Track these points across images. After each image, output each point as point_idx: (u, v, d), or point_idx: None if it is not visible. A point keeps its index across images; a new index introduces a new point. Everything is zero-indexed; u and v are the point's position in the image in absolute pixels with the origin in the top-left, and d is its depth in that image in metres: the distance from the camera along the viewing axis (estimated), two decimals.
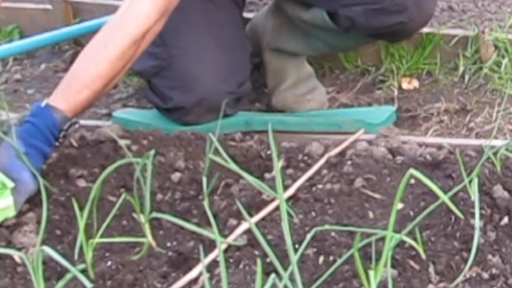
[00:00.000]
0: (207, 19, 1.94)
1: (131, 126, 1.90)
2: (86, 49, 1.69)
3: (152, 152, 1.42)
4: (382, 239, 1.17)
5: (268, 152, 1.76)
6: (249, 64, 2.03)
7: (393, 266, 1.27)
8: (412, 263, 1.31)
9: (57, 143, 1.63)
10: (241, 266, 1.35)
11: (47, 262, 1.35)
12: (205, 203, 1.56)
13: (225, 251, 1.40)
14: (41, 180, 1.48)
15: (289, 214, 1.47)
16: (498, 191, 1.45)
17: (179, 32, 1.86)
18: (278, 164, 1.19)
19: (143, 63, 1.87)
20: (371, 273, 1.09)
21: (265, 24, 2.17)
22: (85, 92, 1.64)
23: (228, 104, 1.84)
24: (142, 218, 1.41)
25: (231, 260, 1.38)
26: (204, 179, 1.59)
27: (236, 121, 1.91)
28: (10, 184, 1.50)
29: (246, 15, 2.37)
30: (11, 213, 1.49)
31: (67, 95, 1.64)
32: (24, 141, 1.56)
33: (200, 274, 1.34)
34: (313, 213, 1.50)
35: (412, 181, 1.54)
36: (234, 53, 1.94)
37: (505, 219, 1.41)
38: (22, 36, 2.71)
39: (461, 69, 2.24)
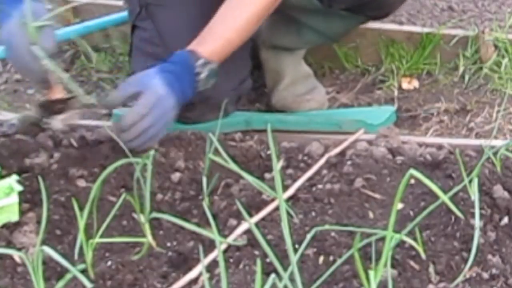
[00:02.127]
0: (204, 16, 1.95)
1: None
2: (222, 8, 1.75)
3: (152, 152, 1.43)
4: (382, 239, 1.16)
5: (268, 152, 1.76)
6: (250, 61, 2.03)
7: (393, 266, 1.27)
8: (412, 263, 1.31)
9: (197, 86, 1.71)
10: (241, 266, 1.35)
11: (47, 262, 1.35)
12: (205, 203, 1.57)
13: (225, 251, 1.40)
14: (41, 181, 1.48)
15: (289, 214, 1.47)
16: (498, 191, 1.45)
17: (179, 32, 1.85)
18: (277, 164, 1.19)
19: (144, 64, 1.87)
20: (371, 273, 1.10)
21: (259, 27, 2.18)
22: (220, 41, 1.72)
23: (229, 102, 1.83)
24: (142, 218, 1.41)
25: (231, 260, 1.38)
26: (204, 179, 1.59)
27: (236, 121, 1.91)
28: (18, 187, 1.50)
29: None
30: (14, 217, 1.49)
31: (203, 41, 1.72)
32: (170, 86, 1.63)
33: (200, 274, 1.34)
34: (313, 213, 1.50)
35: (412, 181, 1.54)
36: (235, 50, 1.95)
37: (505, 219, 1.41)
38: None
39: (461, 69, 2.25)
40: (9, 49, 1.61)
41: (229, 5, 1.76)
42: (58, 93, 1.68)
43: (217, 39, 1.73)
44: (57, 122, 1.69)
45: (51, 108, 1.71)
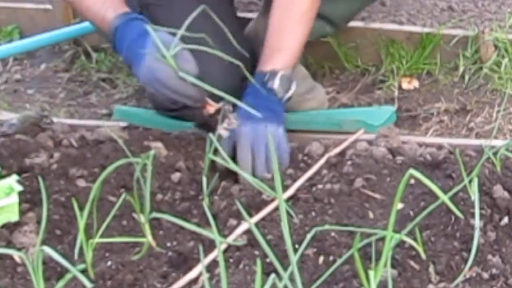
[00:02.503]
0: (204, 16, 1.95)
1: (132, 119, 1.91)
2: (272, 20, 1.84)
3: (152, 152, 1.43)
4: (382, 239, 1.16)
5: None
6: (249, 58, 2.03)
7: (393, 266, 1.27)
8: (412, 263, 1.31)
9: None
10: (241, 266, 1.35)
11: (47, 262, 1.35)
12: (205, 203, 1.57)
13: (225, 251, 1.40)
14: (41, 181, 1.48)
15: (289, 214, 1.47)
16: (498, 191, 1.45)
17: (176, 29, 1.85)
18: (277, 164, 1.18)
19: None
20: (371, 273, 1.09)
21: (257, 26, 2.18)
22: (281, 52, 1.81)
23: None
24: (142, 218, 1.41)
25: (231, 260, 1.38)
26: (204, 179, 1.59)
27: None
28: (18, 187, 1.50)
29: (246, 15, 2.38)
30: (14, 217, 1.49)
31: (265, 60, 1.81)
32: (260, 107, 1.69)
33: (200, 274, 1.34)
34: (313, 213, 1.50)
35: (412, 181, 1.54)
36: (234, 46, 1.95)
37: (505, 219, 1.41)
38: (22, 36, 2.71)
39: (461, 69, 2.24)
40: (157, 83, 1.65)
41: (275, 15, 1.83)
42: (210, 106, 1.71)
43: (276, 51, 1.81)
44: (223, 131, 1.71)
45: (213, 121, 1.73)
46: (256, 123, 1.70)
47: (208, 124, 1.74)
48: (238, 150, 1.70)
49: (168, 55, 1.61)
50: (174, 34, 1.65)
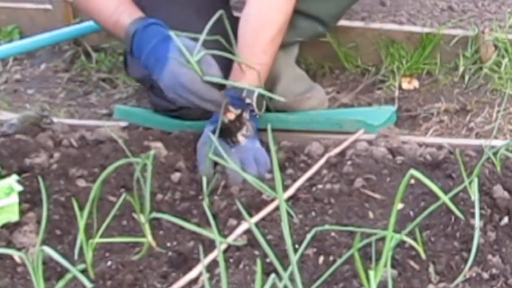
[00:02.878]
0: (200, 15, 1.95)
1: (132, 118, 1.91)
2: (242, 35, 1.82)
3: (152, 152, 1.42)
4: (382, 239, 1.16)
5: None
6: None
7: (393, 266, 1.27)
8: (412, 263, 1.31)
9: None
10: (241, 266, 1.35)
11: (47, 262, 1.35)
12: (205, 203, 1.56)
13: (225, 251, 1.40)
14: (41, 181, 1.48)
15: (289, 214, 1.47)
16: (498, 191, 1.45)
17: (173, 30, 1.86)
18: (277, 164, 1.18)
19: (143, 69, 1.87)
20: (371, 273, 1.09)
21: None
22: (256, 67, 1.78)
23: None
24: (142, 218, 1.41)
25: (231, 260, 1.38)
26: (204, 179, 1.59)
27: None
28: (18, 187, 1.50)
29: None
30: (14, 217, 1.49)
31: (239, 77, 1.77)
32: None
33: (200, 274, 1.34)
34: (313, 213, 1.50)
35: (412, 181, 1.54)
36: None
37: (505, 219, 1.41)
38: (22, 36, 2.71)
39: (461, 69, 2.24)
40: (181, 88, 1.65)
41: (251, 31, 1.82)
42: (230, 113, 1.72)
43: (251, 68, 1.78)
44: (242, 138, 1.73)
45: (232, 127, 1.73)
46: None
47: (225, 130, 1.73)
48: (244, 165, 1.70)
49: (193, 60, 1.62)
50: (193, 39, 1.66)
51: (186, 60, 1.63)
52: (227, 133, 1.73)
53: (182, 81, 1.64)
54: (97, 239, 1.34)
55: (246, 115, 1.74)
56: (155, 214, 1.38)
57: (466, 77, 2.22)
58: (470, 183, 1.41)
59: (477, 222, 1.33)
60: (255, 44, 1.82)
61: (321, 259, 1.36)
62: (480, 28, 2.30)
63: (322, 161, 1.67)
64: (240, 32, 1.84)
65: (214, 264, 1.36)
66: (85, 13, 1.91)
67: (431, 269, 1.30)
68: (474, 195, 1.39)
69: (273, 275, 1.07)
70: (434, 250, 1.33)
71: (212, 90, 1.65)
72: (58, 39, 2.52)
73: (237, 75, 1.79)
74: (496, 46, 2.24)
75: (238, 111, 1.72)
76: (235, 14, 2.41)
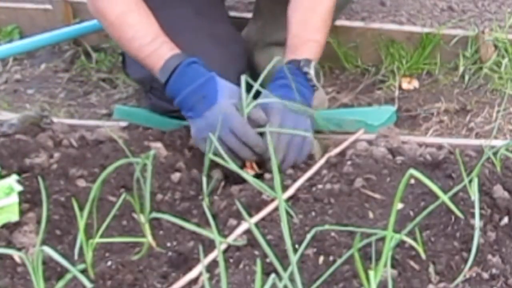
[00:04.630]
0: (199, 15, 1.96)
1: (132, 118, 1.91)
2: (295, 13, 1.87)
3: (152, 152, 1.43)
4: (382, 239, 1.16)
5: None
6: (245, 55, 2.04)
7: (393, 266, 1.27)
8: (412, 263, 1.31)
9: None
10: (241, 266, 1.35)
11: (47, 262, 1.35)
12: (205, 203, 1.56)
13: (225, 251, 1.40)
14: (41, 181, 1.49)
15: (289, 214, 1.47)
16: (498, 191, 1.45)
17: (174, 32, 1.86)
18: (276, 164, 1.18)
19: (142, 70, 1.88)
20: (371, 273, 1.09)
21: (249, 31, 2.20)
22: (310, 44, 1.84)
23: None
24: (142, 218, 1.41)
25: (231, 260, 1.37)
26: (204, 179, 1.59)
27: None
28: (18, 187, 1.50)
29: (246, 15, 2.38)
30: (14, 217, 1.49)
31: (295, 49, 1.82)
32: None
33: (200, 274, 1.34)
34: (313, 213, 1.50)
35: (412, 181, 1.54)
36: (230, 46, 1.95)
37: (505, 219, 1.41)
38: (22, 36, 2.71)
39: (461, 69, 2.24)
40: (226, 128, 1.64)
41: (302, 10, 1.86)
42: (251, 169, 1.70)
43: (305, 42, 1.83)
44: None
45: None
46: (290, 113, 1.70)
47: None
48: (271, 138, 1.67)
49: (244, 105, 1.65)
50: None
51: (233, 102, 1.65)
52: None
53: (231, 122, 1.64)
54: (97, 239, 1.34)
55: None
56: (155, 214, 1.38)
57: (466, 77, 2.22)
58: (470, 183, 1.41)
59: (477, 222, 1.33)
60: (308, 22, 1.85)
61: (321, 259, 1.36)
62: (480, 28, 2.30)
63: (322, 161, 1.67)
64: (290, 12, 1.87)
65: (214, 264, 1.36)
66: (112, 35, 1.88)
67: (431, 269, 1.30)
68: (474, 195, 1.39)
69: (273, 275, 1.07)
70: (434, 250, 1.33)
71: (258, 136, 1.65)
72: (58, 39, 2.52)
73: (293, 49, 1.82)
74: (496, 46, 2.24)
75: (259, 171, 1.70)
76: (235, 14, 2.42)
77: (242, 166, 1.68)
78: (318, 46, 1.85)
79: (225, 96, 1.68)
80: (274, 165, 1.17)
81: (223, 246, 1.40)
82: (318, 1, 1.87)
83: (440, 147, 1.72)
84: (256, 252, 1.38)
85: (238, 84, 1.72)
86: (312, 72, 1.79)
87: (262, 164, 1.70)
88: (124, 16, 1.80)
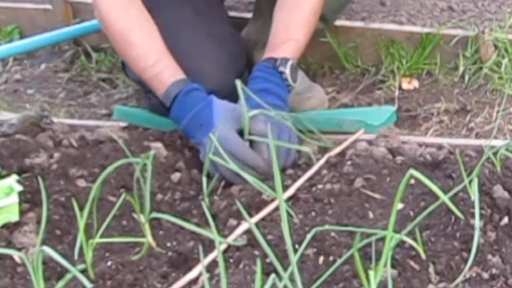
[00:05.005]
0: (198, 16, 1.96)
1: (132, 119, 1.91)
2: (279, 12, 1.89)
3: (152, 152, 1.43)
4: (382, 239, 1.16)
5: None
6: (244, 55, 2.04)
7: (393, 266, 1.27)
8: (412, 263, 1.31)
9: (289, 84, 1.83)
10: (241, 266, 1.35)
11: (47, 262, 1.35)
12: (205, 203, 1.56)
13: (225, 251, 1.40)
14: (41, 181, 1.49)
15: (289, 214, 1.47)
16: (498, 191, 1.45)
17: (173, 32, 1.86)
18: (276, 164, 1.18)
19: None
20: (371, 273, 1.09)
21: (249, 31, 2.20)
22: (290, 43, 1.85)
23: (232, 98, 1.83)
24: (142, 218, 1.41)
25: (231, 260, 1.37)
26: (204, 179, 1.59)
27: None
28: (18, 187, 1.50)
29: (246, 15, 2.38)
30: (14, 217, 1.49)
31: (274, 48, 1.84)
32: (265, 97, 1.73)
33: (200, 274, 1.34)
34: (313, 213, 1.50)
35: (412, 181, 1.54)
36: (228, 46, 1.96)
37: (505, 219, 1.41)
38: (22, 36, 2.71)
39: (461, 69, 2.24)
40: (226, 153, 1.62)
41: (286, 9, 1.87)
42: None
43: (285, 41, 1.84)
44: None
45: None
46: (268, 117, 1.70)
47: None
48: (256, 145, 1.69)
49: (247, 119, 1.65)
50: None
51: (231, 124, 1.66)
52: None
53: (230, 146, 1.64)
54: (97, 239, 1.34)
55: None
56: (155, 214, 1.38)
57: (466, 77, 2.22)
58: (470, 183, 1.41)
59: (477, 222, 1.33)
60: (291, 21, 1.86)
61: (321, 259, 1.36)
62: (480, 28, 2.30)
63: (322, 161, 1.67)
64: (276, 9, 1.88)
65: (214, 264, 1.36)
66: (119, 52, 1.90)
67: (431, 269, 1.30)
68: (474, 195, 1.39)
69: (273, 275, 1.07)
70: (434, 250, 1.33)
71: (257, 157, 1.65)
72: (58, 39, 2.52)
73: (272, 48, 1.83)
74: (496, 46, 2.24)
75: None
76: (235, 14, 2.42)
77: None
78: (298, 45, 1.86)
79: (221, 121, 1.68)
80: (275, 165, 1.17)
81: (223, 246, 1.40)
82: (303, 0, 1.88)
83: (440, 147, 1.72)
84: (256, 252, 1.38)
85: (241, 80, 1.73)
86: (288, 71, 1.80)
87: None
88: (128, 34, 1.80)
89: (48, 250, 1.18)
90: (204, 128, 1.69)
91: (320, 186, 1.57)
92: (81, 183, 1.63)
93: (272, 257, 1.14)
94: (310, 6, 1.88)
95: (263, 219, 1.49)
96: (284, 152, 1.69)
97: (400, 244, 1.31)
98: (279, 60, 1.81)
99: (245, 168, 1.63)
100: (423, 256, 1.30)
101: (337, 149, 1.72)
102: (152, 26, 1.82)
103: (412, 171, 1.05)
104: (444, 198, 1.05)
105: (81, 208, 1.32)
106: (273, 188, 1.41)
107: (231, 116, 1.70)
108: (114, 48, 1.90)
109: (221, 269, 1.08)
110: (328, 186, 1.56)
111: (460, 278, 1.27)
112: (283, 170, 1.68)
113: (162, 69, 1.78)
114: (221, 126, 1.67)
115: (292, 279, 1.11)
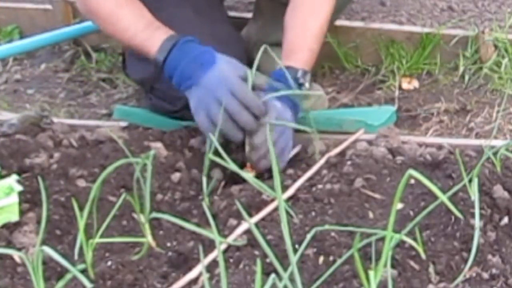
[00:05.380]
0: (198, 15, 1.96)
1: (132, 118, 1.91)
2: (293, 19, 1.87)
3: (152, 152, 1.42)
4: (382, 239, 1.16)
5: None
6: (245, 55, 2.04)
7: (393, 266, 1.27)
8: (412, 263, 1.31)
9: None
10: (241, 266, 1.35)
11: (47, 262, 1.35)
12: (205, 203, 1.56)
13: (225, 251, 1.40)
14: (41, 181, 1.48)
15: (289, 214, 1.47)
16: (498, 191, 1.45)
17: (174, 32, 1.86)
18: (275, 163, 1.18)
19: (143, 71, 1.87)
20: (371, 273, 1.09)
21: (249, 31, 2.20)
22: (306, 53, 1.84)
23: None
24: (142, 218, 1.41)
25: (231, 260, 1.37)
26: (204, 179, 1.59)
27: None
28: (18, 187, 1.50)
29: (246, 15, 2.38)
30: (14, 217, 1.49)
31: (291, 56, 1.82)
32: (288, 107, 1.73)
33: (200, 274, 1.34)
34: (313, 213, 1.50)
35: (412, 181, 1.54)
36: (230, 46, 1.95)
37: (505, 219, 1.41)
38: (22, 36, 2.71)
39: (461, 69, 2.25)
40: (225, 90, 1.64)
41: (301, 16, 1.86)
42: (251, 169, 1.70)
43: (303, 50, 1.84)
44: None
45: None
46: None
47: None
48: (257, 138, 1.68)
49: (249, 72, 1.66)
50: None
51: (234, 66, 1.66)
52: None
53: (231, 84, 1.63)
54: (97, 239, 1.34)
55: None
56: (155, 214, 1.38)
57: (466, 77, 2.22)
58: (470, 183, 1.41)
59: (477, 222, 1.33)
60: (307, 29, 1.86)
61: (321, 259, 1.36)
62: (480, 28, 2.30)
63: (322, 161, 1.67)
64: (289, 16, 1.87)
65: (214, 264, 1.36)
66: (106, 30, 1.88)
67: (431, 269, 1.30)
68: (474, 195, 1.39)
69: (273, 275, 1.07)
70: (434, 250, 1.33)
71: (257, 98, 1.65)
72: (58, 39, 2.52)
73: (288, 55, 1.82)
74: (496, 46, 2.24)
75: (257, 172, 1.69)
76: (235, 14, 2.42)
77: (242, 166, 1.68)
78: (313, 56, 1.86)
79: (223, 62, 1.68)
80: (274, 165, 1.17)
81: (223, 246, 1.40)
82: (318, 7, 1.88)
83: (440, 147, 1.72)
84: (256, 252, 1.38)
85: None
86: (307, 85, 1.81)
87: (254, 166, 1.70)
88: (117, 10, 1.80)
89: (48, 250, 1.18)
90: (205, 66, 1.67)
91: (320, 186, 1.57)
92: (81, 183, 1.63)
93: (272, 257, 1.14)
94: (325, 15, 1.88)
95: (263, 219, 1.49)
96: (278, 149, 1.70)
97: (400, 244, 1.31)
98: (301, 71, 1.80)
99: (243, 112, 1.63)
100: (423, 256, 1.30)
101: (337, 149, 1.72)
102: (140, 4, 1.81)
103: (411, 171, 1.05)
104: (444, 198, 1.05)
105: (81, 208, 1.32)
106: (273, 188, 1.41)
107: (232, 62, 1.69)
108: (102, 28, 1.87)
109: (221, 269, 1.08)
110: (328, 186, 1.56)
111: (460, 278, 1.27)
112: (293, 167, 1.68)
113: (154, 30, 1.77)
114: (223, 65, 1.66)
115: (292, 279, 1.11)
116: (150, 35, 1.76)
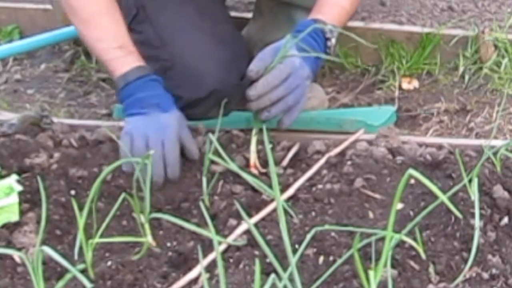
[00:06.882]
0: (201, 15, 1.95)
1: None
2: None
3: (152, 152, 1.42)
4: (382, 239, 1.16)
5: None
6: (247, 55, 2.04)
7: (393, 266, 1.27)
8: (412, 263, 1.31)
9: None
10: (240, 266, 1.35)
11: (47, 262, 1.35)
12: (204, 203, 1.56)
13: (225, 251, 1.40)
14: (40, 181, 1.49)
15: (289, 214, 1.47)
16: (498, 191, 1.45)
17: (177, 31, 1.86)
18: (273, 163, 1.18)
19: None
20: (371, 273, 1.09)
21: (249, 31, 2.20)
22: (336, 8, 1.82)
23: (234, 97, 1.83)
24: (142, 218, 1.41)
25: (230, 260, 1.38)
26: (204, 179, 1.59)
27: (237, 120, 1.91)
28: (18, 187, 1.50)
29: (246, 15, 2.38)
30: (14, 217, 1.49)
31: (320, 11, 1.80)
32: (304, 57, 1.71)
33: (200, 274, 1.34)
34: (313, 213, 1.50)
35: (412, 181, 1.54)
36: (232, 46, 1.95)
37: (505, 219, 1.41)
38: (22, 36, 2.71)
39: (461, 69, 2.25)
40: (159, 138, 1.65)
41: None
42: (255, 168, 1.69)
43: (333, 6, 1.82)
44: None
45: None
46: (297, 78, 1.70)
47: None
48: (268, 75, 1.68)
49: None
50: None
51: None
52: None
53: (168, 135, 1.65)
54: (97, 239, 1.34)
55: None
56: (155, 214, 1.38)
57: (466, 77, 2.22)
58: (470, 183, 1.41)
59: (477, 222, 1.33)
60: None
61: (321, 259, 1.36)
62: (480, 28, 2.30)
63: (322, 161, 1.67)
64: None
65: (214, 264, 1.36)
66: (79, 31, 1.87)
67: (431, 269, 1.30)
68: (474, 195, 1.39)
69: (273, 275, 1.07)
70: (434, 250, 1.33)
71: (178, 163, 1.65)
72: (58, 39, 2.52)
73: (318, 9, 1.81)
74: (496, 46, 2.24)
75: (264, 170, 1.69)
76: (235, 14, 2.42)
77: (246, 165, 1.68)
78: (343, 13, 1.84)
79: (176, 115, 1.71)
80: (271, 166, 1.17)
81: (223, 246, 1.40)
82: None
83: (440, 147, 1.72)
84: (256, 252, 1.38)
85: (239, 84, 1.72)
86: (334, 41, 1.79)
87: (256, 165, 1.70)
88: (96, 17, 1.79)
89: (48, 250, 1.18)
90: (160, 108, 1.70)
91: (320, 186, 1.57)
92: (81, 183, 1.63)
93: (271, 257, 1.14)
94: None
95: (263, 219, 1.49)
96: (285, 103, 1.70)
97: (400, 244, 1.31)
98: (329, 26, 1.77)
99: (159, 163, 1.62)
100: (423, 256, 1.30)
101: (337, 149, 1.72)
102: (120, 17, 1.81)
103: (411, 171, 1.05)
104: (444, 198, 1.05)
105: (81, 208, 1.32)
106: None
107: (183, 122, 1.71)
108: (75, 26, 1.86)
109: (220, 269, 1.08)
110: (328, 186, 1.56)
111: (460, 278, 1.27)
112: (293, 167, 1.67)
113: (126, 53, 1.77)
114: (173, 118, 1.69)
115: (292, 279, 1.11)
116: (121, 56, 1.76)
